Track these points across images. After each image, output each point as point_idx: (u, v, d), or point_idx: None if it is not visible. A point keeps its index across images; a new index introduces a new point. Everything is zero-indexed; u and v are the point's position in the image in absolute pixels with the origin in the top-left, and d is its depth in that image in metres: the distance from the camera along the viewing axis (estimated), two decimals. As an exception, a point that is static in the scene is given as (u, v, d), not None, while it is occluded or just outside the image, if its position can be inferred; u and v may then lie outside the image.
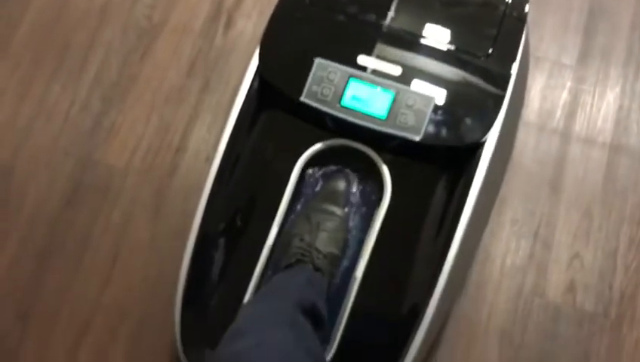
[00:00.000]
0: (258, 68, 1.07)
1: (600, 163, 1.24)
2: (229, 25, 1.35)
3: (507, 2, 1.10)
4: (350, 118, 1.03)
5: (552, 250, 1.19)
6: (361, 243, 1.06)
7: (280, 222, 1.06)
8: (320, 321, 0.94)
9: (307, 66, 1.04)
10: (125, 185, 1.25)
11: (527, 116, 1.27)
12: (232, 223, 1.08)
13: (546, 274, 1.18)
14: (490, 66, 1.05)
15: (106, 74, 1.33)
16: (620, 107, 1.28)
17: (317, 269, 0.99)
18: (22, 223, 1.23)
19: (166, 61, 1.33)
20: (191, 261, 1.04)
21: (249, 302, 1.03)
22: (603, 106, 1.28)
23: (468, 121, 1.03)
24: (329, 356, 1.01)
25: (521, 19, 1.09)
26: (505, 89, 1.04)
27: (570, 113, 1.28)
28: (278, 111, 1.10)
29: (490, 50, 1.06)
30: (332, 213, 1.06)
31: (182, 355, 1.03)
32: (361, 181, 1.10)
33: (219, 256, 1.07)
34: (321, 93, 1.03)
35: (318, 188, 1.10)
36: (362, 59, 1.05)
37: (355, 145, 1.07)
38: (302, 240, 1.02)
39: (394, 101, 1.02)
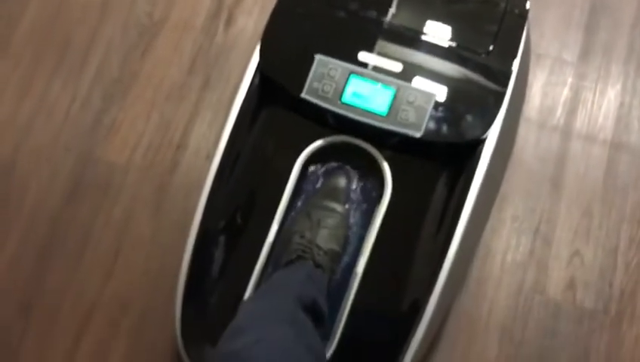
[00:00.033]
0: (259, 64, 1.07)
1: (601, 160, 1.24)
2: (229, 22, 1.35)
3: (508, -1, 1.10)
4: (351, 115, 1.03)
5: (553, 246, 1.19)
6: (361, 239, 1.06)
7: (280, 219, 1.06)
8: (320, 318, 0.94)
9: (308, 63, 1.04)
10: (126, 182, 1.25)
11: (528, 113, 1.27)
12: (232, 220, 1.09)
13: (547, 271, 1.18)
14: (491, 63, 1.05)
15: (107, 71, 1.33)
16: (621, 104, 1.28)
17: (317, 266, 1.00)
18: (23, 219, 1.24)
19: (167, 58, 1.33)
20: (191, 258, 1.04)
21: (249, 298, 1.03)
22: (604, 103, 1.28)
23: (469, 117, 1.03)
24: (330, 352, 1.01)
25: (522, 16, 1.09)
26: (506, 86, 1.03)
27: (571, 110, 1.28)
28: (279, 108, 1.10)
29: (491, 47, 1.06)
30: (333, 210, 1.06)
31: (182, 351, 1.03)
32: (361, 178, 1.10)
33: (219, 253, 1.07)
34: (322, 90, 1.03)
35: (318, 185, 1.10)
36: (363, 56, 1.05)
37: (356, 141, 1.07)
38: (302, 236, 1.02)
39: (395, 98, 1.02)
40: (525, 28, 1.09)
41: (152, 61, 1.33)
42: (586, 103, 1.28)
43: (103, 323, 1.17)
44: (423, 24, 1.08)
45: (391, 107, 1.02)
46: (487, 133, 1.01)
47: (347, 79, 1.03)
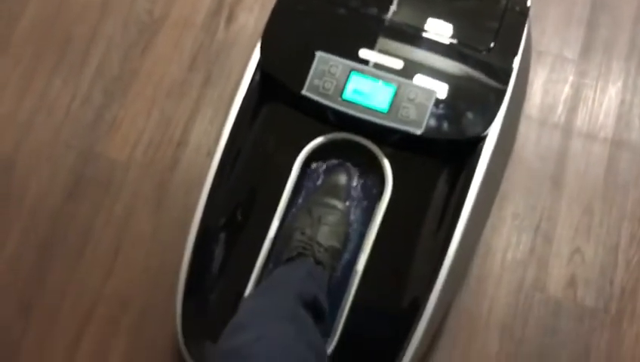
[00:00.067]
0: (259, 61, 1.07)
1: (601, 158, 1.24)
2: (230, 19, 1.35)
3: (509, -4, 1.10)
4: (351, 112, 1.03)
5: (553, 244, 1.19)
6: (362, 236, 1.06)
7: (281, 216, 1.06)
8: (321, 314, 0.94)
9: (309, 60, 1.04)
10: (127, 179, 1.25)
11: (529, 110, 1.27)
12: (233, 217, 1.09)
13: (547, 268, 1.18)
14: (492, 60, 1.05)
15: (108, 68, 1.33)
16: (622, 102, 1.28)
17: (318, 262, 1.00)
18: (24, 216, 1.24)
19: (167, 55, 1.33)
20: (192, 255, 1.04)
21: (250, 295, 1.03)
22: (605, 101, 1.28)
23: (469, 114, 1.03)
24: (330, 349, 1.01)
25: (523, 13, 1.09)
26: (506, 83, 1.03)
27: (572, 107, 1.27)
28: (280, 105, 1.10)
29: (492, 44, 1.06)
30: (333, 207, 1.06)
31: (183, 347, 1.04)
32: (362, 175, 1.10)
33: (220, 250, 1.07)
34: (323, 87, 1.03)
35: (319, 182, 1.10)
36: (364, 53, 1.05)
37: (357, 138, 1.07)
38: (303, 233, 1.02)
39: (395, 95, 1.02)
40: (526, 25, 1.08)
41: (153, 58, 1.33)
42: (587, 101, 1.28)
43: (103, 321, 1.17)
44: (423, 21, 1.08)
45: (392, 104, 1.02)
46: (487, 131, 1.01)
47: (348, 76, 1.03)
